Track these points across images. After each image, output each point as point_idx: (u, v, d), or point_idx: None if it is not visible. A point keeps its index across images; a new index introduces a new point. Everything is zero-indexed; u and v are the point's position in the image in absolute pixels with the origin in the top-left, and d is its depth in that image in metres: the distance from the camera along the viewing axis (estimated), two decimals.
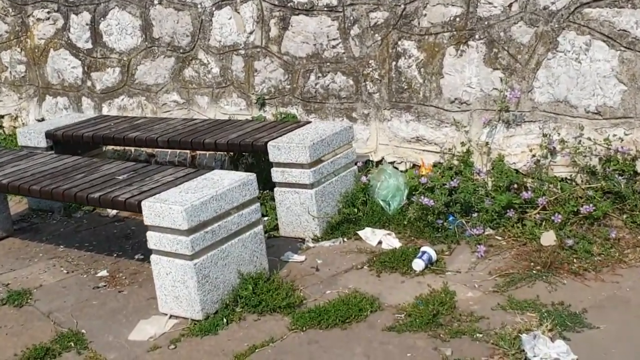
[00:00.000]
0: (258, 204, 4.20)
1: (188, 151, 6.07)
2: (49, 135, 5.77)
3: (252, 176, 4.15)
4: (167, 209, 3.80)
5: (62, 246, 5.20)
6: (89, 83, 6.80)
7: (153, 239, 3.92)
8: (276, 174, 4.79)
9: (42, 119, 7.18)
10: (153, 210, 3.86)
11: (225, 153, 5.85)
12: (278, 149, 4.73)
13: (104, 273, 4.67)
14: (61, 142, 5.80)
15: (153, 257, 3.97)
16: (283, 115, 5.73)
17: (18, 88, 7.36)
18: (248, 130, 5.19)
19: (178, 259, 3.87)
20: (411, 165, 5.26)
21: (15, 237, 5.45)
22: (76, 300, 4.32)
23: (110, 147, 6.21)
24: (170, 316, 3.98)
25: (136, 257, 4.88)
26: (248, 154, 5.60)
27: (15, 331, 4.02)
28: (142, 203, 3.91)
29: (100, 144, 5.72)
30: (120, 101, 6.64)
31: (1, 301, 4.37)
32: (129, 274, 4.63)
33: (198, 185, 4.05)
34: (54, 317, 4.13)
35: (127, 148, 6.26)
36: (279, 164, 4.76)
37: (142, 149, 6.21)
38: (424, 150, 5.19)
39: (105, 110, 6.74)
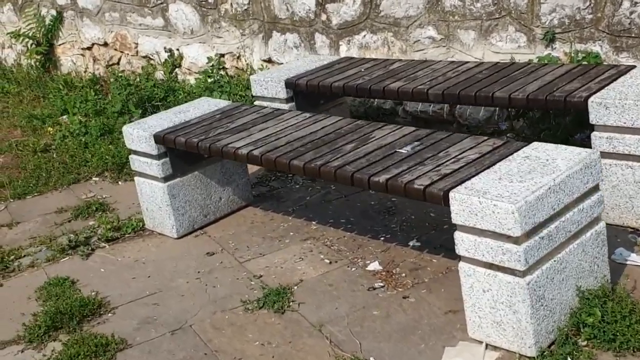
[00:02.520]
0: (600, 193, 3.03)
1: None
2: (289, 84, 4.85)
3: (594, 155, 2.99)
4: (489, 206, 2.73)
5: (314, 222, 4.31)
6: (323, 17, 5.80)
7: (465, 243, 2.88)
8: (600, 141, 3.58)
9: (269, 59, 6.32)
10: (467, 205, 2.81)
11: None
12: (606, 108, 3.50)
13: (375, 266, 3.73)
14: (304, 92, 4.87)
15: (463, 266, 2.94)
16: (582, 55, 4.45)
17: (240, 23, 6.51)
18: (547, 78, 3.99)
19: (503, 274, 2.82)
20: None
21: (256, 207, 4.63)
22: (351, 307, 3.40)
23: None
24: (487, 346, 2.96)
25: (410, 244, 3.89)
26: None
27: (283, 352, 3.17)
28: (450, 194, 2.86)
29: (352, 95, 4.72)
30: (362, 38, 5.60)
31: (258, 302, 3.54)
32: (408, 270, 3.65)
33: (520, 167, 2.94)
34: (328, 333, 3.24)
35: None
36: (606, 128, 3.54)
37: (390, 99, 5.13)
38: None
39: (343, 50, 5.73)
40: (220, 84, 6.44)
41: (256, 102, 5.11)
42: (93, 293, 3.86)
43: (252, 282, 3.76)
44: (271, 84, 4.92)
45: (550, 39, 4.58)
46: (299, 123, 3.97)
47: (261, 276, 3.81)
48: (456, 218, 2.87)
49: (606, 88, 3.65)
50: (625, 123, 3.47)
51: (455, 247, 2.94)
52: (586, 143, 4.13)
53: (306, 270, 3.80)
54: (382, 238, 4.01)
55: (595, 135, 3.60)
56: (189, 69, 7.24)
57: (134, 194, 4.83)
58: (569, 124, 4.36)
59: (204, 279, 3.86)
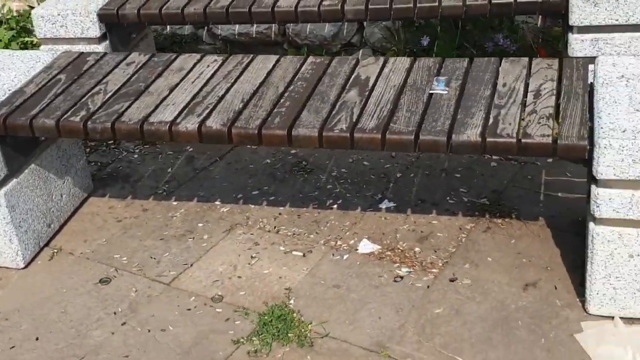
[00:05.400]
0: None
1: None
2: (105, 16, 3.47)
3: None
4: None
5: (217, 202, 3.19)
6: None
7: (613, 203, 2.20)
8: (582, 45, 3.08)
9: None
10: (630, 153, 2.11)
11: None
12: (594, 5, 2.99)
13: (368, 245, 2.84)
14: (120, 26, 3.55)
15: (602, 230, 2.25)
16: None
17: None
18: None
19: None
20: None
21: (102, 197, 3.31)
22: (398, 313, 2.50)
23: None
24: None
25: (382, 206, 3.05)
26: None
27: None
28: (599, 142, 2.12)
29: (218, 22, 3.53)
30: None
31: (261, 340, 2.44)
32: (415, 241, 2.84)
33: (619, 90, 2.31)
34: (402, 356, 2.33)
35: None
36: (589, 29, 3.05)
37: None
38: None
39: None
40: None
41: (44, 47, 3.59)
42: None
43: (220, 310, 2.59)
44: (73, 19, 3.46)
45: None
46: (220, 72, 2.76)
47: (222, 297, 2.66)
48: (606, 172, 2.15)
49: None
50: (617, 20, 2.99)
51: (593, 208, 2.22)
52: (505, 49, 3.62)
53: (279, 272, 2.74)
54: (335, 206, 3.08)
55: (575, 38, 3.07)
56: None
57: None
58: (472, 28, 3.77)
59: (135, 322, 2.58)
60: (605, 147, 2.11)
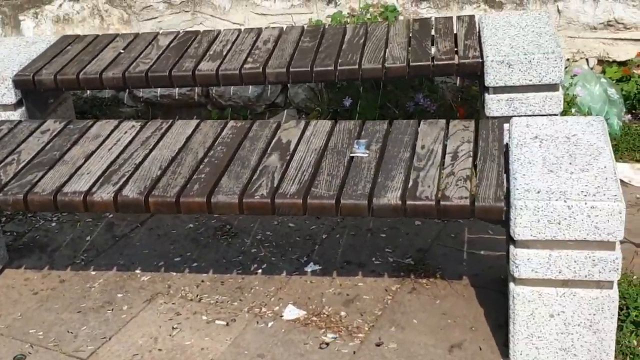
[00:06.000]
0: None
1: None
2: (20, 82, 3.39)
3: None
4: (583, 209, 2.11)
5: (137, 270, 3.10)
6: None
7: (532, 263, 2.22)
8: (498, 105, 3.15)
9: None
10: (546, 214, 2.14)
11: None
12: (509, 66, 3.07)
13: (293, 311, 2.79)
14: (36, 91, 3.47)
15: (522, 291, 2.27)
16: (380, 9, 3.92)
17: None
18: (400, 40, 3.37)
19: (586, 290, 2.24)
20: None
21: (18, 269, 3.20)
22: None
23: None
24: None
25: (308, 269, 3.02)
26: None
27: None
28: (515, 203, 2.15)
29: (139, 86, 3.48)
30: (57, 9, 4.23)
31: None
32: (340, 305, 2.80)
33: (547, 152, 2.35)
34: None
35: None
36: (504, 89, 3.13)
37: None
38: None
39: (28, 26, 4.27)
40: None
41: None
42: None
43: None
44: None
45: None
46: (138, 138, 2.72)
47: None
48: (523, 232, 2.17)
49: (484, 44, 3.20)
50: (531, 80, 3.08)
51: (512, 268, 2.24)
52: (426, 109, 3.68)
53: (202, 343, 2.66)
54: (260, 270, 3.03)
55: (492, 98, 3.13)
56: None
57: None
58: (394, 88, 3.82)
59: None
60: (521, 208, 2.13)
